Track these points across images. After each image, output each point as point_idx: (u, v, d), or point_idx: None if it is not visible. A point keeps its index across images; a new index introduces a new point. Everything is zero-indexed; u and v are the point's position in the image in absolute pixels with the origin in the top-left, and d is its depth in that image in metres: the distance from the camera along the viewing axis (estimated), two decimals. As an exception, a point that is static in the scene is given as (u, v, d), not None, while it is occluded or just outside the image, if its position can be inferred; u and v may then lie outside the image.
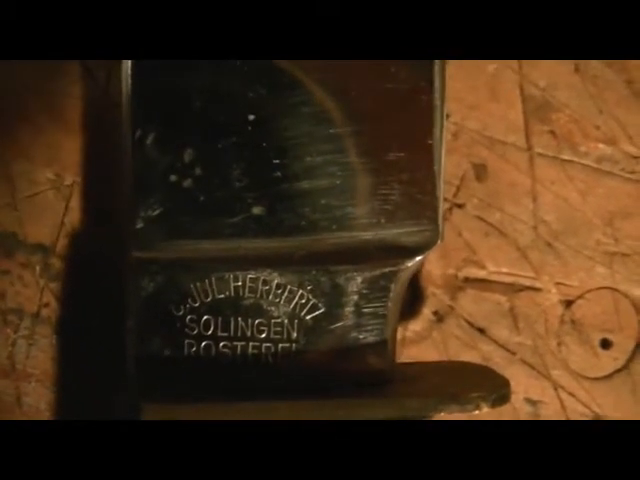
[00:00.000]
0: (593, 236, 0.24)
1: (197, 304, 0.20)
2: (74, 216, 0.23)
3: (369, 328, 0.20)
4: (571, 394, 0.24)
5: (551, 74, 0.24)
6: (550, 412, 0.24)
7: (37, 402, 0.22)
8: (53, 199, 0.22)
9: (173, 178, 0.20)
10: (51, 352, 0.22)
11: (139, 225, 0.20)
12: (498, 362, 0.24)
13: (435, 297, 0.24)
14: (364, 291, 0.20)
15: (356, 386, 0.20)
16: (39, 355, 0.23)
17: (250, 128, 0.20)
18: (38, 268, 0.22)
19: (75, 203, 0.23)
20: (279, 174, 0.20)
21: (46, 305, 0.23)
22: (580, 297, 0.24)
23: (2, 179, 0.23)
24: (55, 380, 0.22)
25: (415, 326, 0.24)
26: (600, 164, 0.24)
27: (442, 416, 0.21)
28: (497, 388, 0.20)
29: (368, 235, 0.20)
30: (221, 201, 0.20)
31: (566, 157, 0.24)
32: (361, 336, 0.20)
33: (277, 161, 0.20)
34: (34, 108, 0.22)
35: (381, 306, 0.20)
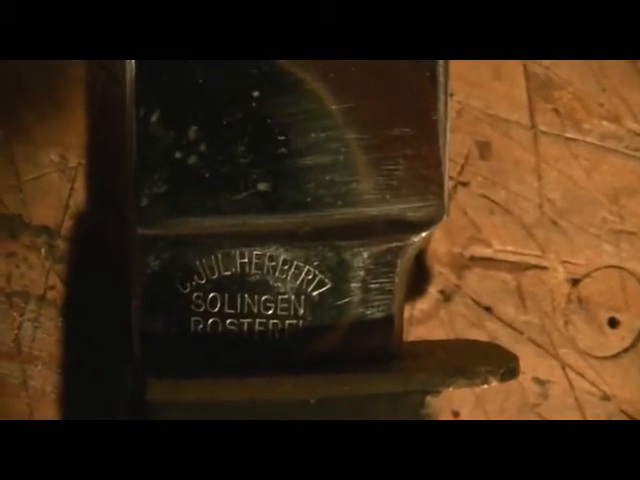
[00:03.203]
0: (598, 214, 0.24)
1: (203, 281, 0.20)
2: (79, 198, 0.22)
3: (376, 304, 0.20)
4: (579, 373, 0.24)
5: (554, 52, 0.24)
6: (558, 392, 0.24)
7: (43, 385, 0.22)
8: (58, 181, 0.22)
9: (178, 155, 0.20)
10: (57, 335, 0.22)
11: (144, 202, 0.20)
12: (505, 341, 0.24)
13: (441, 276, 0.24)
14: (370, 266, 0.20)
15: (363, 362, 0.20)
16: (45, 338, 0.22)
17: (254, 104, 0.20)
18: (43, 250, 0.22)
19: (80, 185, 0.22)
20: (284, 150, 0.20)
21: (52, 287, 0.22)
22: (587, 275, 0.24)
23: (6, 162, 0.22)
24: (61, 363, 0.22)
25: (422, 305, 0.24)
26: (604, 142, 0.24)
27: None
28: (505, 362, 0.20)
29: (374, 211, 0.20)
30: (226, 177, 0.20)
31: (570, 135, 0.24)
32: (368, 312, 0.20)
33: (282, 137, 0.20)
34: (36, 90, 0.22)
35: (387, 281, 0.20)
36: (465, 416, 0.24)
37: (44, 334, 0.22)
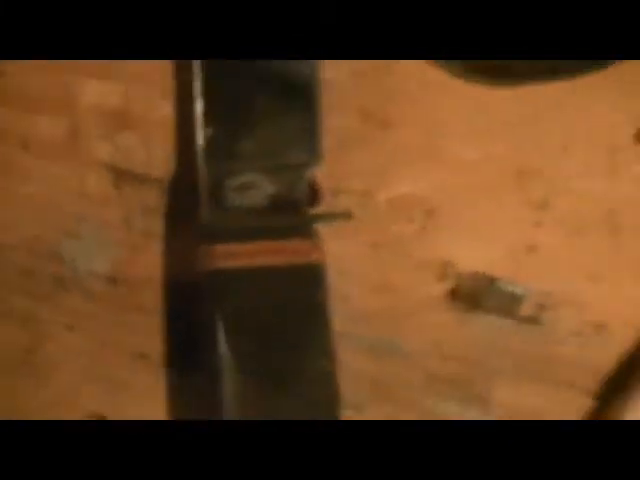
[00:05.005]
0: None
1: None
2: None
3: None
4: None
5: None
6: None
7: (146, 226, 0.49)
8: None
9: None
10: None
11: (204, 147, 0.44)
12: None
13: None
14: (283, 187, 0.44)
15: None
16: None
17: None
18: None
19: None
20: (240, 119, 0.43)
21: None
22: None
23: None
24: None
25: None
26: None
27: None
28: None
29: (286, 156, 0.43)
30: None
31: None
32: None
33: (241, 116, 0.43)
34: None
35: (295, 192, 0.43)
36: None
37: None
